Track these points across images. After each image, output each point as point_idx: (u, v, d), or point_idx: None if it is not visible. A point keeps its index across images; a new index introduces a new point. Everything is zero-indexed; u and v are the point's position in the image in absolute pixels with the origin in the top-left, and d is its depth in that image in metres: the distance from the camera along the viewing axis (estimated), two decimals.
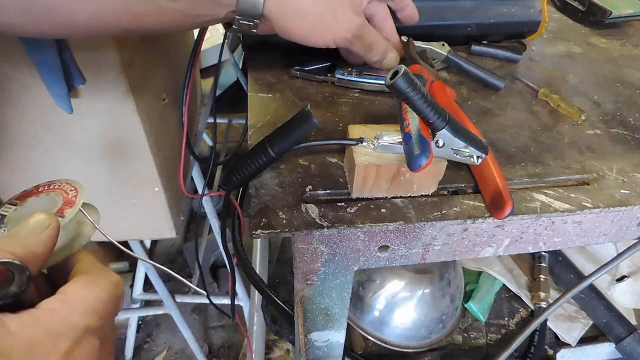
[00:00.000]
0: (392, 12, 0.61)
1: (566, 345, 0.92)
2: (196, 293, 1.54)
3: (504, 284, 0.97)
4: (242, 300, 1.35)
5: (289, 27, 0.49)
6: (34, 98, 0.55)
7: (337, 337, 0.66)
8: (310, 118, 0.44)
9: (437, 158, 0.43)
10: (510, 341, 0.81)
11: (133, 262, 1.51)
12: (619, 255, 0.60)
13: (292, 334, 0.85)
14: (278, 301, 0.70)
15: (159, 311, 1.32)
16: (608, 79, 0.71)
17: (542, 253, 1.01)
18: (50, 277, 0.32)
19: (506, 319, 0.95)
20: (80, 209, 0.33)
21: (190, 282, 1.63)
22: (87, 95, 0.56)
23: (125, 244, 1.04)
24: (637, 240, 0.58)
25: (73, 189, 0.35)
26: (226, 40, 0.76)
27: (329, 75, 0.64)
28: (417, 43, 0.66)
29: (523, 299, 0.95)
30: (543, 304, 0.92)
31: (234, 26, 0.47)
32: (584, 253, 1.02)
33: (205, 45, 0.77)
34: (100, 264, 0.31)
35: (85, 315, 0.26)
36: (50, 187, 0.35)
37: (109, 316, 0.28)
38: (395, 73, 0.37)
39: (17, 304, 0.25)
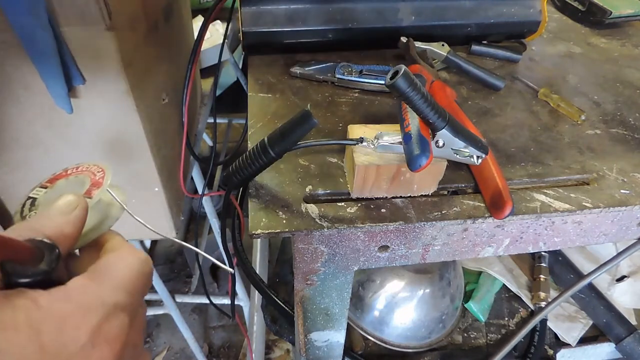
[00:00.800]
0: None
1: (566, 345, 0.92)
2: (196, 293, 1.54)
3: (504, 284, 0.97)
4: (242, 300, 1.35)
5: None
6: (34, 97, 0.55)
7: (337, 337, 0.66)
8: (310, 118, 0.44)
9: (437, 158, 0.43)
10: (509, 340, 0.81)
11: None
12: (619, 254, 0.61)
13: (292, 334, 0.85)
14: (278, 301, 0.70)
15: (159, 311, 1.32)
16: (608, 79, 0.71)
17: (542, 253, 1.01)
18: (81, 258, 0.32)
19: (506, 319, 0.95)
20: (107, 190, 0.34)
21: (190, 282, 1.63)
22: (87, 95, 0.56)
23: None
24: (636, 240, 0.58)
25: (100, 170, 0.36)
26: (226, 40, 0.76)
27: (329, 75, 0.64)
28: (417, 43, 0.66)
29: (523, 299, 0.95)
30: (543, 304, 0.92)
31: None
32: (584, 253, 1.02)
33: (205, 45, 0.77)
34: (128, 243, 0.31)
35: (114, 292, 0.26)
36: (78, 170, 0.36)
37: (138, 293, 0.28)
38: (395, 73, 0.37)
39: (47, 282, 0.25)
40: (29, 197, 0.33)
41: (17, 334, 0.21)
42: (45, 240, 0.26)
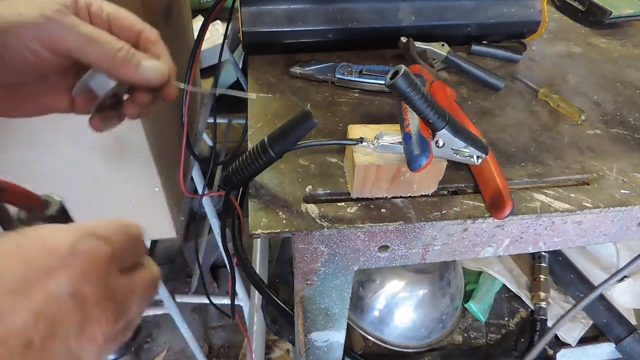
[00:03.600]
0: None
1: (566, 345, 0.92)
2: (196, 293, 1.53)
3: (504, 284, 0.97)
4: (242, 300, 1.35)
5: None
6: None
7: (337, 337, 0.66)
8: (310, 118, 0.44)
9: (437, 158, 0.43)
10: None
11: None
12: (630, 262, 0.60)
13: (292, 334, 0.85)
14: (278, 301, 0.70)
15: (159, 311, 1.32)
16: (608, 79, 0.71)
17: (542, 253, 1.00)
18: None
19: (506, 319, 0.95)
20: None
21: (190, 282, 1.63)
22: None
23: None
24: None
25: None
26: (226, 40, 0.76)
27: (329, 75, 0.64)
28: (417, 43, 0.66)
29: (523, 299, 0.95)
30: (543, 304, 0.92)
31: None
32: (583, 253, 1.02)
33: (205, 45, 0.77)
34: None
35: (93, 226, 0.28)
36: None
37: (121, 236, 0.29)
38: (395, 73, 0.37)
39: None
40: None
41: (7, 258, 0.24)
42: (54, 195, 0.31)
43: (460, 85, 0.66)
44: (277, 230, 0.43)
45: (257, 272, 0.91)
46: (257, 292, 1.05)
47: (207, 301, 1.18)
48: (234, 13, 0.72)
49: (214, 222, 1.24)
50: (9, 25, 0.33)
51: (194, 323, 1.62)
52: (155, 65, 0.38)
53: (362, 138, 0.44)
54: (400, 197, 0.47)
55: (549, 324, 0.93)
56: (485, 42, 0.75)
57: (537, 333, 0.89)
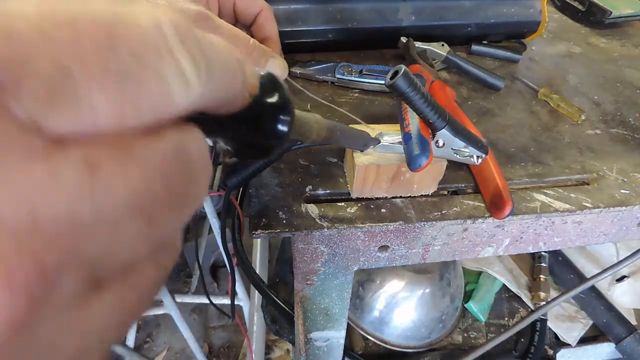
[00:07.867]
0: None
1: (566, 345, 0.92)
2: (196, 293, 1.54)
3: (504, 284, 0.97)
4: (242, 300, 1.35)
5: None
6: None
7: (337, 337, 0.66)
8: None
9: (437, 158, 0.43)
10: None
11: None
12: (625, 259, 0.60)
13: (292, 334, 0.85)
14: (278, 301, 0.70)
15: (159, 311, 1.32)
16: (608, 79, 0.71)
17: (542, 253, 1.01)
18: None
19: (506, 319, 0.95)
20: None
21: (190, 282, 1.63)
22: None
23: None
24: None
25: None
26: None
27: (329, 75, 0.63)
28: (417, 43, 0.66)
29: (523, 299, 0.95)
30: (543, 304, 0.93)
31: None
32: (584, 253, 1.02)
33: None
34: None
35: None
36: None
37: None
38: (395, 73, 0.37)
39: None
40: None
41: None
42: None
43: (460, 85, 0.66)
44: (277, 230, 0.43)
45: (257, 272, 0.91)
46: (257, 292, 1.05)
47: (207, 301, 1.19)
48: None
49: (214, 222, 1.24)
50: None
51: (194, 323, 1.62)
52: (280, 62, 0.41)
53: None
54: (400, 197, 0.47)
55: (549, 324, 0.93)
56: (485, 42, 0.75)
57: (537, 333, 0.89)
